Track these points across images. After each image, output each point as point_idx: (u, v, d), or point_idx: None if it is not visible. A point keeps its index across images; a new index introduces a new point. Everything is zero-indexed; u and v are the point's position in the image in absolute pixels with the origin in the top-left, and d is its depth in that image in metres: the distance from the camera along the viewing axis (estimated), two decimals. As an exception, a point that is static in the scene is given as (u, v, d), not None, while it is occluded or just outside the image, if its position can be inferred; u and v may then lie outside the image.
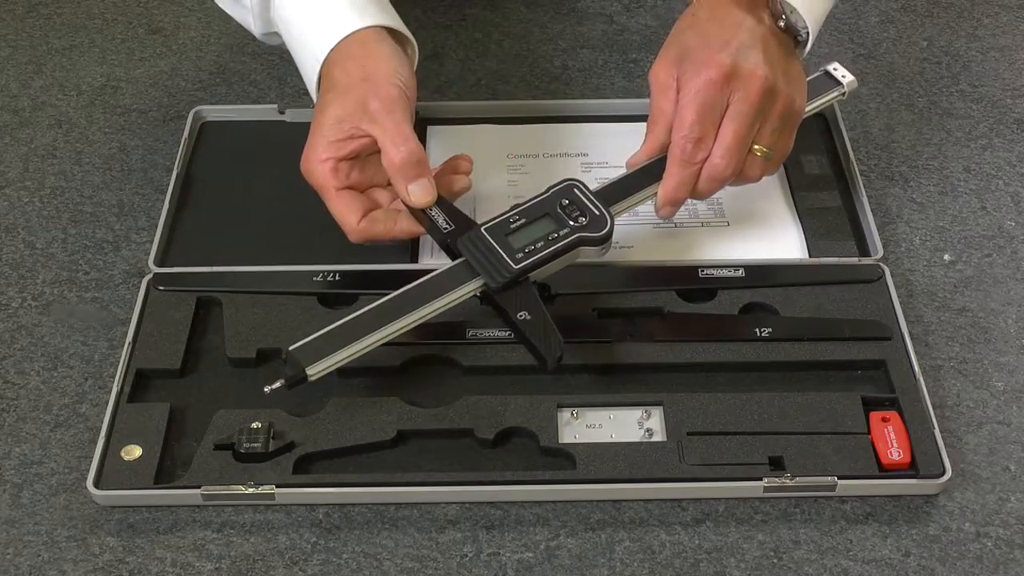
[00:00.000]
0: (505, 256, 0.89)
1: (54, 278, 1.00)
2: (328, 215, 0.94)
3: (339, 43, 0.94)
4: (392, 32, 0.97)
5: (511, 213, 0.91)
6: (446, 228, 0.91)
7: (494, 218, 0.91)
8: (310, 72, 0.97)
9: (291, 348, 0.85)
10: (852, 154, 1.07)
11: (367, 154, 0.94)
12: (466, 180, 0.97)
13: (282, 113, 1.12)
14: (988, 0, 1.29)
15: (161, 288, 0.96)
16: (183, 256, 0.99)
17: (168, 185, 1.05)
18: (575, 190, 0.92)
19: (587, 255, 0.91)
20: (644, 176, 0.94)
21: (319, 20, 0.96)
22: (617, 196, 0.93)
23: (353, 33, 0.94)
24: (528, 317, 0.87)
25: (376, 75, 0.93)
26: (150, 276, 0.97)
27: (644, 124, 1.01)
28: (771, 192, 1.05)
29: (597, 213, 0.91)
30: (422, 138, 1.10)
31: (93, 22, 1.27)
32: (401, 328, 0.87)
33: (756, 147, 0.93)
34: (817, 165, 1.07)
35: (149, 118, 1.15)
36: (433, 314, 0.88)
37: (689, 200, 0.99)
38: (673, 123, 0.92)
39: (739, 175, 0.94)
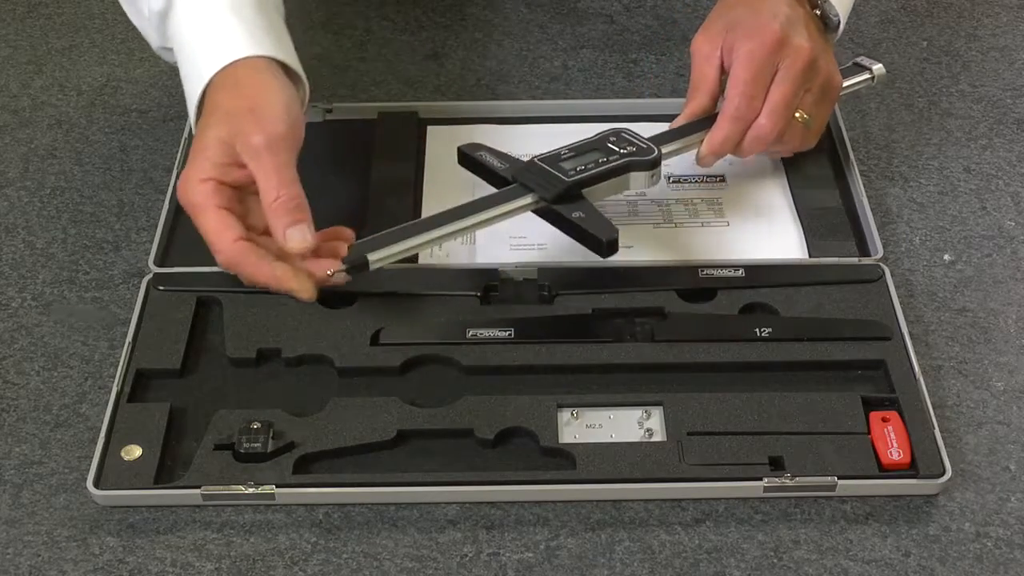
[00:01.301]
0: (559, 174, 0.92)
1: (54, 278, 1.00)
2: (328, 215, 0.94)
3: (227, 67, 0.90)
4: (286, 69, 0.93)
5: (562, 148, 0.95)
6: (502, 167, 0.95)
7: (546, 153, 0.95)
8: (193, 91, 0.92)
9: (354, 243, 0.88)
10: (852, 154, 1.07)
11: (248, 191, 0.89)
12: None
13: (282, 113, 1.11)
14: (988, 0, 1.29)
15: (161, 288, 0.96)
16: (183, 256, 0.99)
17: (168, 185, 1.05)
18: (623, 132, 0.97)
19: (637, 184, 0.95)
20: (690, 128, 0.99)
21: (211, 40, 0.92)
22: (663, 140, 0.97)
23: (244, 59, 0.90)
24: (582, 215, 0.91)
25: (263, 108, 0.88)
26: (150, 276, 0.97)
27: (644, 124, 1.02)
28: (771, 192, 1.05)
29: (644, 146, 0.95)
30: (422, 138, 1.10)
31: (93, 22, 1.28)
32: (456, 230, 0.90)
33: (798, 113, 0.97)
34: (817, 165, 1.07)
35: (149, 118, 1.15)
36: (489, 223, 0.92)
37: (690, 200, 0.99)
38: (728, 82, 0.97)
39: (780, 140, 0.98)
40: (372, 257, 0.87)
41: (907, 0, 1.29)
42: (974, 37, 1.25)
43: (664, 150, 0.96)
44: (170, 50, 0.97)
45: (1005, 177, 1.09)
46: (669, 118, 1.02)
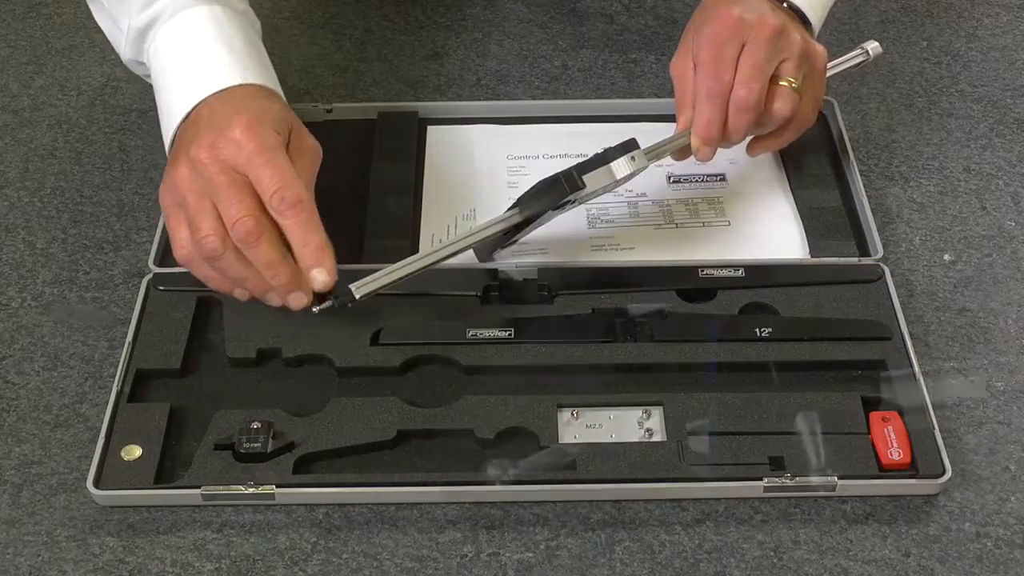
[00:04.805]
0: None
1: (54, 278, 1.00)
2: (328, 215, 0.93)
3: (230, 88, 0.91)
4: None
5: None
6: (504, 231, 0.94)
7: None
8: (186, 96, 0.92)
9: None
10: (852, 154, 1.07)
11: None
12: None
13: (282, 113, 1.11)
14: (988, 0, 1.29)
15: (161, 288, 0.96)
16: (183, 256, 0.99)
17: (168, 185, 1.05)
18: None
19: (620, 170, 0.92)
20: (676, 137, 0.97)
21: (198, 67, 0.93)
22: (652, 146, 0.95)
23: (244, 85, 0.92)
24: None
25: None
26: (150, 276, 0.97)
27: (644, 124, 1.02)
28: (771, 192, 1.05)
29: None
30: (422, 138, 1.10)
31: (93, 22, 1.27)
32: (442, 254, 0.89)
33: (782, 80, 0.95)
34: (817, 165, 1.07)
35: (149, 118, 1.15)
36: (475, 240, 0.91)
37: (690, 200, 0.99)
38: (696, 69, 0.95)
39: (771, 110, 0.95)
40: (355, 288, 0.86)
41: (907, 0, 1.29)
42: (974, 37, 1.25)
43: (649, 153, 0.94)
44: (141, 64, 0.99)
45: (1005, 177, 1.09)
46: (669, 118, 1.01)
